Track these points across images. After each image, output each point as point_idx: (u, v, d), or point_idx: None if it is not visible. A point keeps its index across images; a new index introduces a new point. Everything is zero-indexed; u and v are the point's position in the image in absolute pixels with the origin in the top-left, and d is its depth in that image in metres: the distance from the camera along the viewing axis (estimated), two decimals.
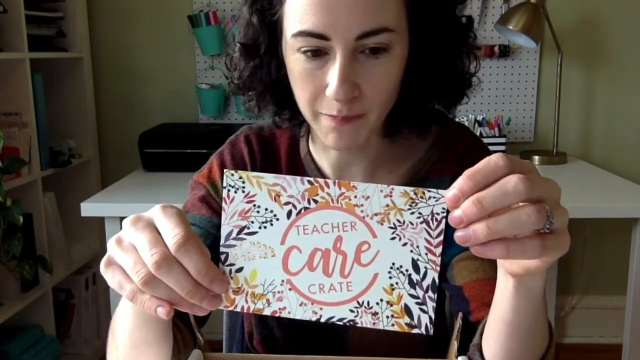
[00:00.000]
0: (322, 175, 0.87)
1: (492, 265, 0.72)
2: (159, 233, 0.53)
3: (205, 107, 2.39)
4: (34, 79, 2.04)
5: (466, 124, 2.19)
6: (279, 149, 0.90)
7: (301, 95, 0.74)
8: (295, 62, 0.72)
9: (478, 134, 2.16)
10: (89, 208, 1.72)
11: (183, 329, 0.76)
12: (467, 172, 0.47)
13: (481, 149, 0.89)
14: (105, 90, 2.47)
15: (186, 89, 2.43)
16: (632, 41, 2.37)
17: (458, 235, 0.46)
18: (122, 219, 0.56)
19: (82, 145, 2.35)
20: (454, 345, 0.71)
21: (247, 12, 0.76)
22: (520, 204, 0.47)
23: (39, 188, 2.07)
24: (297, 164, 0.89)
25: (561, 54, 2.24)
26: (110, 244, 0.55)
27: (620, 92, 2.42)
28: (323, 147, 0.86)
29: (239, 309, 0.53)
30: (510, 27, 2.13)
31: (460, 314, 0.75)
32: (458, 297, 0.79)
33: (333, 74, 0.69)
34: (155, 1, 2.40)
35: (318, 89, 0.71)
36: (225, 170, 0.54)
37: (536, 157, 2.27)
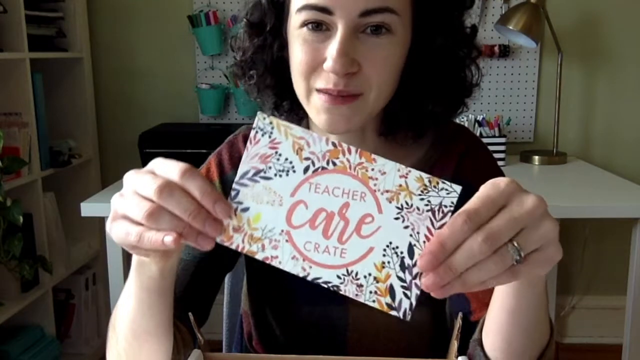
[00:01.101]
0: None
1: None
2: (160, 176, 0.54)
3: (205, 107, 2.39)
4: (34, 79, 2.04)
5: (466, 124, 2.19)
6: None
7: (298, 68, 0.74)
8: (298, 37, 0.73)
9: (478, 134, 2.16)
10: (89, 208, 1.72)
11: (183, 329, 0.76)
12: (439, 236, 0.49)
13: (481, 150, 0.89)
14: (105, 90, 2.47)
15: (186, 89, 2.43)
16: (632, 41, 2.37)
17: (430, 291, 0.49)
18: None
19: (82, 145, 2.35)
20: (454, 345, 0.71)
21: None
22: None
23: (39, 188, 2.07)
24: None
25: (561, 54, 2.24)
26: (114, 199, 0.56)
27: (620, 92, 2.42)
28: None
29: (233, 247, 0.53)
30: (510, 27, 2.13)
31: (460, 314, 0.75)
32: (459, 297, 0.79)
33: (332, 47, 0.70)
34: (155, 1, 2.40)
35: (316, 61, 0.72)
36: (258, 112, 0.55)
37: (536, 157, 2.27)
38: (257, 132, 0.54)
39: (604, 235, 2.48)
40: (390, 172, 0.52)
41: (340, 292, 0.52)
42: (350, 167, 0.53)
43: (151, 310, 0.65)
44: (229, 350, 1.17)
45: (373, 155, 0.53)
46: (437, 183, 0.52)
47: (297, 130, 0.54)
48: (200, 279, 0.84)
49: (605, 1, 2.35)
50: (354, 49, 0.70)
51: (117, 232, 0.55)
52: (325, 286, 0.52)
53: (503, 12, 2.29)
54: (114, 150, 2.51)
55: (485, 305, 0.72)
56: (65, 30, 2.28)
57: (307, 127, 0.88)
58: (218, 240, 0.53)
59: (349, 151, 0.53)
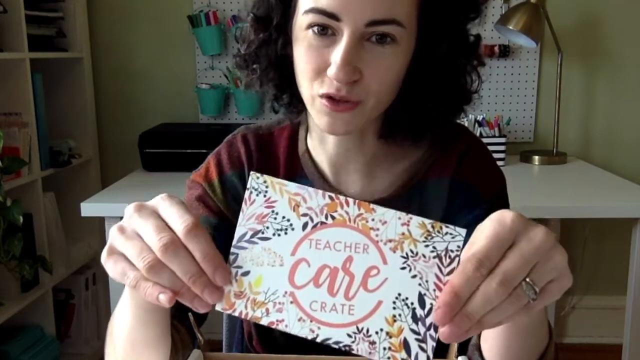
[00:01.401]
0: (320, 173, 0.87)
1: None
2: (164, 221, 0.53)
3: (205, 107, 2.39)
4: (34, 79, 2.04)
5: (466, 124, 2.19)
6: (277, 148, 0.90)
7: (303, 72, 0.74)
8: (303, 39, 0.73)
9: (478, 134, 2.16)
10: (89, 208, 1.72)
11: (181, 330, 0.76)
12: (453, 286, 0.47)
13: (481, 150, 0.89)
14: (105, 90, 2.47)
15: (186, 89, 2.43)
16: (632, 41, 2.37)
17: (447, 337, 0.48)
18: (122, 219, 0.56)
19: (82, 145, 2.35)
20: (454, 345, 0.71)
21: None
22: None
23: (39, 188, 2.07)
24: (295, 163, 0.89)
25: (561, 54, 2.24)
26: (113, 233, 0.54)
27: (620, 92, 2.42)
28: (320, 142, 0.87)
29: (236, 314, 0.52)
30: (510, 27, 2.13)
31: None
32: None
33: (337, 54, 0.70)
34: (155, 1, 2.40)
35: (321, 66, 0.72)
36: (251, 172, 0.54)
37: (536, 157, 2.27)
38: (251, 192, 0.53)
39: (604, 235, 2.48)
40: (391, 220, 0.51)
41: (353, 352, 0.50)
42: (349, 220, 0.52)
43: (147, 325, 0.65)
44: (229, 350, 1.17)
45: (372, 205, 0.52)
46: (441, 228, 0.51)
47: (292, 186, 0.53)
48: None
49: (605, 1, 2.35)
50: (357, 57, 0.70)
51: (114, 270, 0.54)
52: (337, 346, 0.51)
53: (503, 12, 2.29)
54: (114, 150, 2.51)
55: None
56: (65, 30, 2.28)
57: (306, 121, 0.89)
58: (219, 308, 0.52)
59: (347, 203, 0.52)
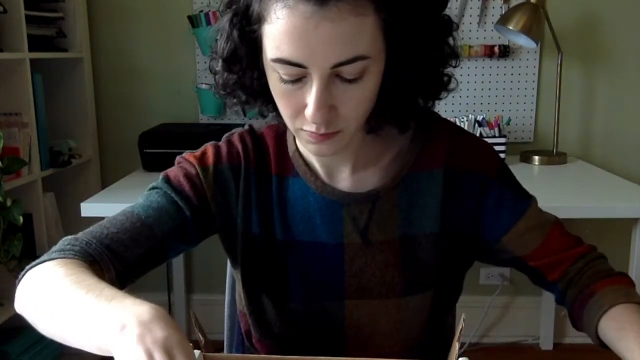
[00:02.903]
0: (312, 171, 0.88)
1: (544, 223, 0.89)
2: None
3: (205, 107, 2.39)
4: (34, 79, 2.04)
5: (466, 124, 2.19)
6: (268, 148, 0.91)
7: (283, 111, 0.77)
8: (276, 82, 0.75)
9: (478, 134, 2.16)
10: (89, 208, 1.71)
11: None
12: None
13: (462, 132, 0.92)
14: (105, 90, 2.47)
15: (186, 89, 2.43)
16: (633, 41, 2.37)
17: None
18: None
19: (82, 145, 2.35)
20: (455, 346, 0.71)
21: (228, 27, 0.76)
22: None
23: (39, 188, 2.06)
24: (286, 162, 0.90)
25: (561, 54, 2.24)
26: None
27: (620, 92, 2.42)
28: None
29: None
30: (510, 27, 2.13)
31: (463, 315, 0.75)
32: (523, 269, 0.90)
33: (310, 99, 0.72)
34: (155, 1, 2.40)
35: (299, 108, 0.74)
36: None
37: (536, 157, 2.27)
38: None
39: (604, 235, 2.48)
40: None
41: None
42: None
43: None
44: (230, 350, 1.17)
45: None
46: None
47: None
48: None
49: (605, 1, 2.35)
50: (330, 96, 0.72)
51: None
52: None
53: (503, 12, 2.29)
54: (114, 150, 2.51)
55: (554, 263, 0.89)
56: (65, 30, 2.27)
57: (293, 135, 0.89)
58: None
59: None
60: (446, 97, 0.84)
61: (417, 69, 0.77)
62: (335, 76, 0.71)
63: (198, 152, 0.91)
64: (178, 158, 0.92)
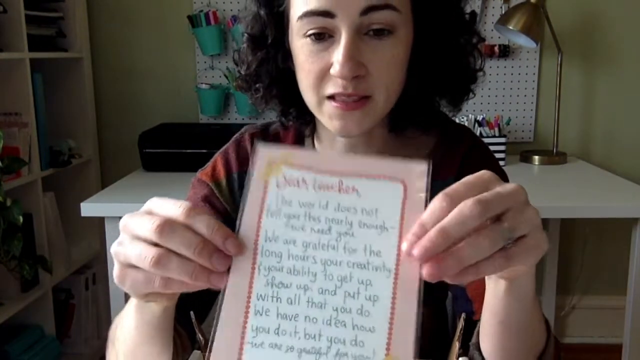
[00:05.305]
0: None
1: None
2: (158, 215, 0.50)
3: (205, 107, 2.39)
4: (34, 79, 2.03)
5: (466, 124, 2.19)
6: None
7: (306, 79, 0.74)
8: (302, 48, 0.73)
9: (478, 134, 2.16)
10: (89, 208, 1.71)
11: (182, 334, 0.75)
12: (420, 220, 0.46)
13: (483, 150, 0.89)
14: (105, 90, 2.47)
15: (186, 89, 2.43)
16: (632, 41, 2.37)
17: (428, 273, 0.45)
18: (121, 219, 0.55)
19: (82, 145, 2.35)
20: (456, 346, 0.71)
21: (255, 5, 0.77)
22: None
23: (39, 188, 2.06)
24: None
25: (561, 54, 2.24)
26: (113, 250, 0.52)
27: (620, 92, 2.42)
28: (330, 145, 0.86)
29: None
30: (510, 27, 2.13)
31: (463, 315, 0.75)
32: (462, 297, 0.80)
33: (338, 53, 0.70)
34: (155, 1, 2.40)
35: (324, 70, 0.72)
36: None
37: (536, 157, 2.27)
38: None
39: (604, 235, 2.48)
40: None
41: None
42: None
43: (153, 340, 0.64)
44: None
45: None
46: None
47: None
48: None
49: (605, 1, 2.35)
50: (359, 52, 0.70)
51: (130, 288, 0.52)
52: None
53: (503, 12, 2.29)
54: (114, 150, 2.51)
55: None
56: (65, 30, 2.27)
57: (314, 129, 0.88)
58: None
59: None
60: (473, 97, 0.83)
61: (443, 47, 0.76)
62: (364, 34, 0.71)
63: (208, 167, 0.89)
64: (193, 181, 0.90)
